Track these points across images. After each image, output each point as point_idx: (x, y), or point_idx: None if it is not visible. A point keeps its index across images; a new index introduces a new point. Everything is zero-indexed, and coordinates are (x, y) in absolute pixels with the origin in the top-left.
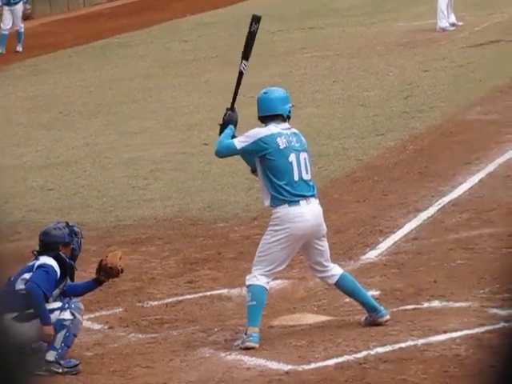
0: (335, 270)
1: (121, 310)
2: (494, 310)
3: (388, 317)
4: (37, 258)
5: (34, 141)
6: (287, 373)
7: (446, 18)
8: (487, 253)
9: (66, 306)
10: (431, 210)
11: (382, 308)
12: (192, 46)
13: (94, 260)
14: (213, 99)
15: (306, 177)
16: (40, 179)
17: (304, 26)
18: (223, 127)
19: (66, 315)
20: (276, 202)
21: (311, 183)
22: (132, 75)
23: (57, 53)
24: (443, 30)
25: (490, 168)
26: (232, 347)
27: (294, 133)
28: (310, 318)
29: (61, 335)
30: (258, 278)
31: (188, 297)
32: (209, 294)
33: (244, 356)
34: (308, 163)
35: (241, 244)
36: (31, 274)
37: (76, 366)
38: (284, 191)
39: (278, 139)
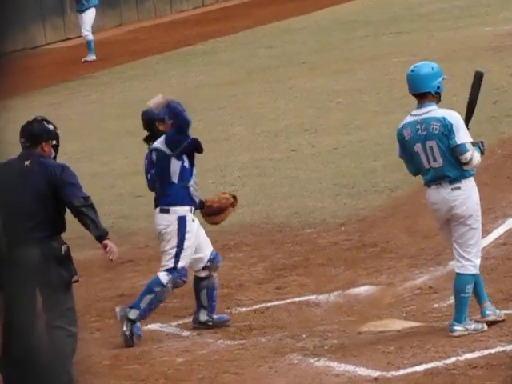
0: (457, 266)
1: None
2: None
3: (453, 334)
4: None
5: (122, 148)
6: (376, 379)
7: None
8: None
9: (174, 272)
10: None
11: (452, 323)
12: (277, 52)
13: None
14: (298, 105)
15: (435, 164)
16: (128, 186)
17: (391, 31)
18: None
19: (163, 279)
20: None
21: (442, 170)
22: (217, 82)
23: (144, 59)
24: None
25: None
26: (320, 353)
27: (426, 119)
28: (399, 324)
29: (147, 299)
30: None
31: (276, 303)
32: (297, 300)
33: (333, 362)
34: (436, 150)
35: (328, 250)
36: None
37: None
38: (422, 176)
39: (404, 130)
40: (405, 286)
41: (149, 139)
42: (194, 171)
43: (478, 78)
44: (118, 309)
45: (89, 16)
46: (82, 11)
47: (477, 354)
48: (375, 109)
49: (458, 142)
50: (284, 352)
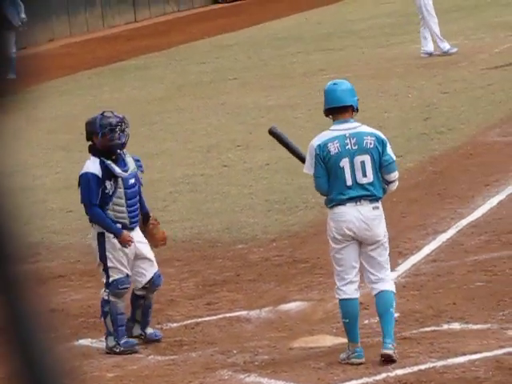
0: (380, 285)
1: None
2: None
3: (389, 351)
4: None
5: (53, 162)
6: None
7: (443, 41)
8: (506, 275)
9: (110, 286)
10: (450, 232)
11: (386, 341)
12: (209, 68)
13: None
14: (230, 121)
15: (363, 180)
16: (59, 201)
17: (323, 48)
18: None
19: (104, 295)
20: (327, 203)
21: (370, 186)
22: (150, 97)
23: (77, 74)
24: (445, 52)
25: (510, 190)
26: (251, 369)
27: (357, 133)
28: (329, 340)
29: (108, 321)
30: (341, 289)
31: (207, 319)
32: (228, 315)
33: (263, 378)
34: (368, 165)
35: (260, 266)
36: None
37: (134, 345)
38: (333, 194)
39: (330, 145)
40: (335, 301)
41: (92, 149)
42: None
43: (273, 134)
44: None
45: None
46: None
47: (407, 370)
48: (307, 125)
49: (393, 159)
50: (214, 368)
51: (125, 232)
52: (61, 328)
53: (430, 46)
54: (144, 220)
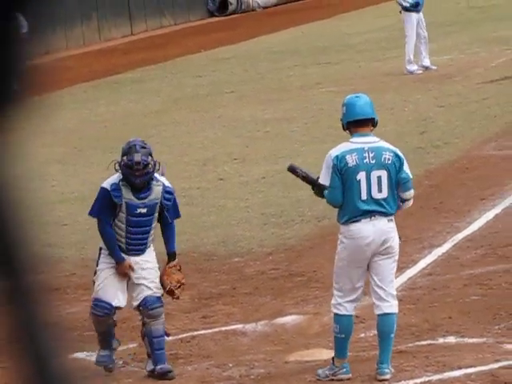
0: (385, 306)
1: (135, 345)
2: (510, 346)
3: (385, 377)
4: None
5: (48, 176)
6: None
7: (412, 62)
8: (502, 289)
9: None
10: (446, 246)
11: (382, 367)
12: (206, 81)
13: None
14: (227, 134)
15: (378, 195)
16: (54, 214)
17: (319, 62)
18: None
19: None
20: (340, 218)
21: (384, 202)
22: (146, 110)
23: (73, 87)
24: (410, 73)
25: (506, 203)
26: (246, 382)
27: (376, 147)
28: (325, 354)
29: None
30: (343, 305)
31: (202, 332)
32: (223, 329)
33: None
34: (385, 181)
35: (256, 279)
36: None
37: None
38: (347, 208)
39: (348, 156)
40: (331, 315)
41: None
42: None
43: (291, 171)
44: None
45: None
46: None
47: (402, 383)
48: (303, 138)
49: (410, 177)
50: (210, 381)
51: (125, 263)
52: (59, 341)
53: (426, 61)
54: (168, 260)
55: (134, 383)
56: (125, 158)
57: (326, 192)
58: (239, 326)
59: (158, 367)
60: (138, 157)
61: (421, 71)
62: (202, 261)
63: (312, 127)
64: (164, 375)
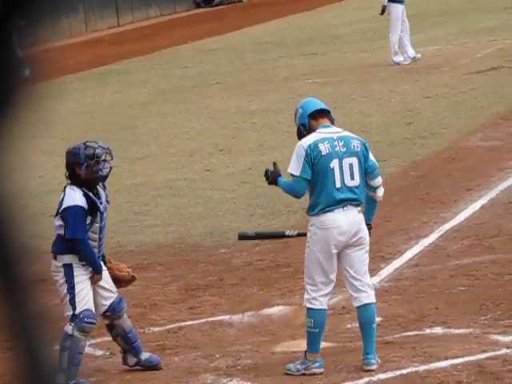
0: (363, 297)
1: None
2: (496, 337)
3: (372, 367)
4: (64, 188)
5: (35, 167)
6: None
7: (398, 53)
8: (489, 279)
9: (75, 319)
10: (432, 237)
11: (368, 357)
12: (192, 73)
13: None
14: (213, 125)
15: (351, 183)
16: (41, 205)
17: (305, 53)
18: (274, 182)
19: (68, 329)
20: (312, 208)
21: (357, 189)
22: (132, 101)
23: (59, 79)
24: (397, 64)
25: (492, 194)
26: (233, 373)
27: (344, 136)
28: None
29: (65, 356)
30: (317, 300)
31: (190, 323)
32: (210, 320)
33: (246, 382)
34: (356, 168)
35: (242, 270)
36: (62, 218)
37: None
38: (321, 198)
39: (320, 145)
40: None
41: (72, 179)
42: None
43: (243, 238)
44: None
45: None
46: None
47: (389, 374)
48: (289, 129)
49: (377, 165)
50: (197, 372)
51: (102, 272)
52: (46, 332)
53: (410, 51)
54: (104, 261)
55: (121, 374)
56: (85, 162)
57: (290, 181)
58: (226, 317)
59: (145, 357)
60: (99, 149)
61: (408, 61)
62: (189, 252)
63: None
64: (154, 366)
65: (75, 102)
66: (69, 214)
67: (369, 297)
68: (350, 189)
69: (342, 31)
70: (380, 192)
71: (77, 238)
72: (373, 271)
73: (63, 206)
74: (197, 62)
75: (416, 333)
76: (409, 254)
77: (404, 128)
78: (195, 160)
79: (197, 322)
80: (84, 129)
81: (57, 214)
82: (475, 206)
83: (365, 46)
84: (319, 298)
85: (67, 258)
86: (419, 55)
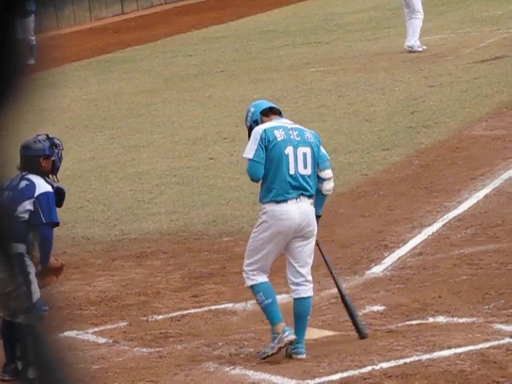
0: (303, 290)
1: (125, 323)
2: (499, 326)
3: (302, 356)
4: (24, 177)
5: None
6: None
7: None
8: (492, 268)
9: (34, 309)
10: (436, 226)
11: (299, 346)
12: (197, 61)
13: (99, 274)
14: (217, 114)
15: (304, 171)
16: None
17: (309, 41)
18: None
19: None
20: (264, 196)
21: (309, 178)
22: (136, 89)
23: (63, 66)
24: (418, 51)
25: (496, 184)
26: (236, 361)
27: (297, 128)
28: (315, 333)
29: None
30: (257, 275)
31: (193, 311)
32: (213, 308)
33: (249, 370)
34: (309, 157)
35: None
36: (34, 203)
37: None
38: (275, 184)
39: (276, 131)
40: (321, 294)
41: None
42: None
43: None
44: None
45: (31, 21)
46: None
47: (392, 363)
48: (293, 118)
49: (329, 156)
50: (200, 360)
51: None
52: (48, 320)
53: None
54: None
55: (124, 362)
56: (49, 153)
57: (247, 165)
58: (229, 305)
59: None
60: (57, 140)
61: (421, 49)
62: (193, 240)
63: (302, 107)
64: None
65: (79, 90)
66: (45, 200)
67: (308, 290)
68: (303, 177)
69: (346, 20)
70: (328, 185)
71: (55, 221)
72: (376, 260)
73: (39, 192)
74: (201, 50)
75: (419, 322)
76: (412, 243)
77: (408, 117)
78: (199, 148)
79: (200, 310)
80: (88, 116)
81: (22, 200)
82: (479, 195)
83: (369, 34)
84: (258, 275)
85: (19, 248)
86: (421, 48)
